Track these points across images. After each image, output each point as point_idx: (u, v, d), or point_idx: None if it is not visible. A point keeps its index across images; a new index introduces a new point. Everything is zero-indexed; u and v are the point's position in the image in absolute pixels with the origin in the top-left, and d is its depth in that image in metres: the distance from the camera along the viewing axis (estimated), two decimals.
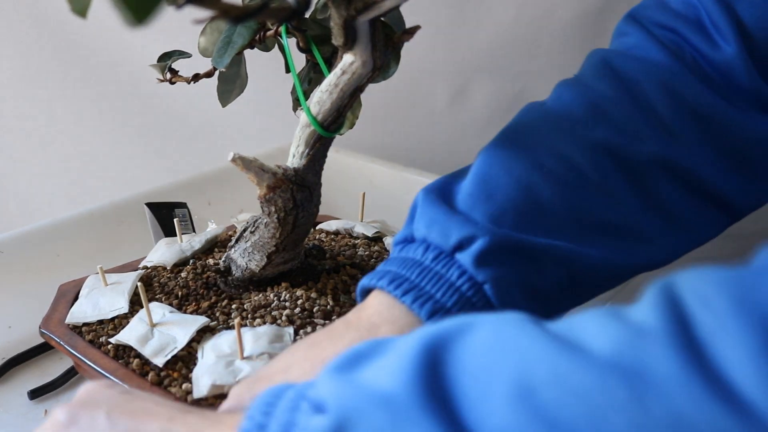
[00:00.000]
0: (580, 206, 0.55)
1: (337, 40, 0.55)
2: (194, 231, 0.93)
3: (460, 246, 0.52)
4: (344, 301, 0.69)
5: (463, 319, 0.39)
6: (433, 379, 0.36)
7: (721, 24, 0.57)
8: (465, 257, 0.52)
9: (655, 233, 0.57)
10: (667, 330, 0.32)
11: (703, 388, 0.30)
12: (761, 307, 0.30)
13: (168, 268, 0.75)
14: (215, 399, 0.59)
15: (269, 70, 0.88)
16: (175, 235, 0.80)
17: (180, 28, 0.72)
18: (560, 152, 0.55)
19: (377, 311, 0.53)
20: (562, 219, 0.54)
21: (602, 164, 0.55)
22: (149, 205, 0.93)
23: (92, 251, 0.86)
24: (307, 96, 0.78)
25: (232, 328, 0.64)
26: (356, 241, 0.82)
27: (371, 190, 0.91)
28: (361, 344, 0.41)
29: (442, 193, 0.56)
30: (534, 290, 0.53)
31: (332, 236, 0.85)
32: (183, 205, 0.95)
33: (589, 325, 0.34)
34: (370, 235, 0.83)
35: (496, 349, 0.36)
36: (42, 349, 0.77)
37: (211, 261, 0.76)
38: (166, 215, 0.93)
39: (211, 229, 0.83)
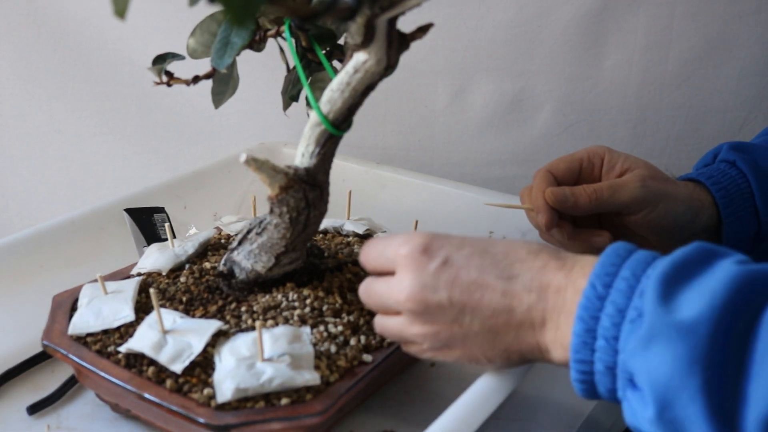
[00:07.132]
0: None
1: (354, 38, 0.55)
2: (174, 236, 0.92)
3: None
4: (351, 299, 0.69)
5: None
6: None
7: None
8: None
9: None
10: None
11: None
12: None
13: (164, 273, 0.74)
14: (238, 403, 0.58)
15: (253, 69, 0.87)
16: (156, 240, 0.79)
17: (180, 28, 0.71)
18: None
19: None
20: None
21: None
22: (128, 210, 0.91)
23: (76, 260, 0.84)
24: (297, 95, 0.78)
25: (245, 330, 0.64)
26: (349, 239, 0.83)
27: (348, 189, 0.91)
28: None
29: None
30: None
31: (322, 235, 0.85)
32: (161, 210, 0.94)
33: None
34: (361, 232, 0.83)
35: None
36: (33, 363, 0.74)
37: (207, 265, 0.75)
38: (146, 220, 0.91)
39: (202, 233, 0.82)
